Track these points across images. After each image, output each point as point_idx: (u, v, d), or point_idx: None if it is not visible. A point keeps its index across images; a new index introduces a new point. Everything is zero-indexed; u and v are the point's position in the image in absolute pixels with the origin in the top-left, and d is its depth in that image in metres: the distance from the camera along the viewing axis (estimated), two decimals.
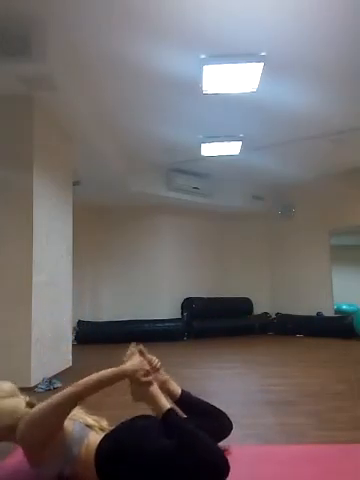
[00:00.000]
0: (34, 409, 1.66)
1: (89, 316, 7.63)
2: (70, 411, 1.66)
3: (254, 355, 5.73)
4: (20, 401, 1.75)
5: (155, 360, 1.94)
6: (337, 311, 7.83)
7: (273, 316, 8.14)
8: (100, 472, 1.62)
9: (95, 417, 1.84)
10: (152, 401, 1.76)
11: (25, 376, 3.70)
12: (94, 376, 1.66)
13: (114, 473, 1.61)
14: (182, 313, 7.91)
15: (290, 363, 4.92)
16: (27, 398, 1.79)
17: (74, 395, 1.62)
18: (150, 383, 1.78)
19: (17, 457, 2.04)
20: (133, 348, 1.88)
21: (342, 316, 7.46)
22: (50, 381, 3.84)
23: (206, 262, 8.56)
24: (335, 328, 7.15)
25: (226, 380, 4.10)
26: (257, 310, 8.44)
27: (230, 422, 1.97)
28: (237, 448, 2.03)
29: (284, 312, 7.98)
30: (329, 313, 7.59)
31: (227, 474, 1.64)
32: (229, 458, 1.96)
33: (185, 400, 1.95)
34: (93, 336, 7.11)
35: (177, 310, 7.96)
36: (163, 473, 1.55)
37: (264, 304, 8.46)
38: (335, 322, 7.33)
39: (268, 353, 5.86)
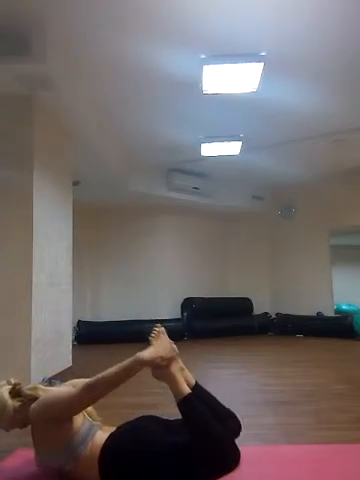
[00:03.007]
0: (51, 395, 1.68)
1: (89, 316, 7.63)
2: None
3: (254, 355, 5.73)
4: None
5: (174, 346, 1.96)
6: (337, 311, 7.83)
7: (273, 316, 8.14)
8: (103, 472, 1.62)
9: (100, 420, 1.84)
10: (172, 382, 1.81)
11: (25, 376, 3.68)
12: (111, 371, 1.63)
13: (117, 473, 1.61)
14: (182, 313, 7.90)
15: (290, 363, 4.92)
16: (10, 385, 1.76)
17: (91, 397, 1.63)
18: (168, 366, 1.83)
19: (17, 457, 2.04)
20: (158, 329, 1.94)
21: (342, 316, 7.46)
22: (50, 381, 3.82)
23: (206, 262, 8.56)
24: (335, 328, 7.16)
25: (226, 380, 4.10)
26: (257, 310, 8.43)
27: (239, 426, 1.96)
28: None
29: (284, 312, 7.98)
30: (329, 313, 7.60)
31: (236, 465, 1.69)
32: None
33: (197, 392, 1.93)
34: (93, 336, 7.10)
35: (177, 310, 7.96)
36: (168, 470, 1.56)
37: (264, 304, 8.46)
38: (335, 322, 7.34)
39: (268, 353, 5.86)
